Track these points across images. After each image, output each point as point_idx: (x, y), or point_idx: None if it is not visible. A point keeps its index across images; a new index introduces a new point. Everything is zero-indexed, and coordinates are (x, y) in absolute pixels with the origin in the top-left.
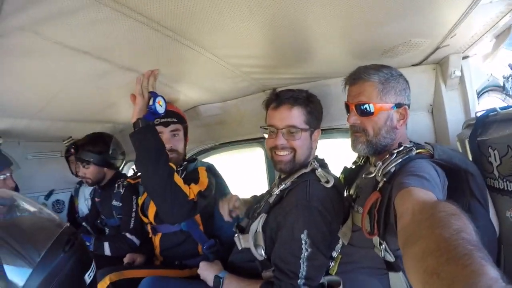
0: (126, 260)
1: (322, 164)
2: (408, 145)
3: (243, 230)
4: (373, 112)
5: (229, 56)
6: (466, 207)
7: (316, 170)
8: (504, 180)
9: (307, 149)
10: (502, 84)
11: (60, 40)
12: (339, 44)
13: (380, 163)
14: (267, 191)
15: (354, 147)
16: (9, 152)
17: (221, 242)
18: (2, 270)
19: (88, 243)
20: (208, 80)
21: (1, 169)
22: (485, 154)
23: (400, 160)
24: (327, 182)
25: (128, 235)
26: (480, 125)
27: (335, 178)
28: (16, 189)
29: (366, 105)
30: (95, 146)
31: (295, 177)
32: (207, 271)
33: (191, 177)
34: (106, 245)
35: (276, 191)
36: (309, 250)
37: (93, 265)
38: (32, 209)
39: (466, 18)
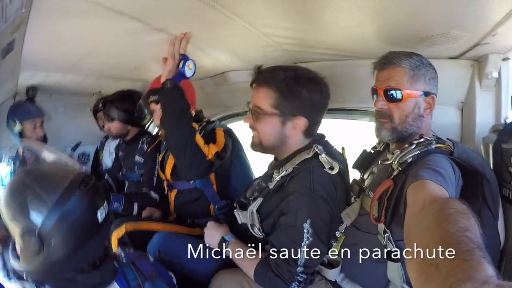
0: (144, 213)
1: (325, 145)
2: (429, 138)
3: (244, 205)
4: (401, 99)
5: (262, 25)
6: (476, 212)
7: (320, 156)
8: None
9: (275, 137)
10: None
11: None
12: (372, 25)
13: (398, 152)
14: (266, 173)
15: (378, 133)
16: (41, 105)
17: (233, 205)
18: (28, 211)
19: (117, 204)
20: (240, 47)
21: (33, 116)
22: (506, 162)
23: (419, 151)
24: (332, 168)
25: (151, 193)
26: (508, 133)
27: (340, 161)
28: (44, 138)
29: (395, 91)
30: (122, 103)
31: (296, 163)
32: (214, 231)
33: (208, 137)
34: (135, 206)
35: (277, 177)
36: (310, 239)
37: (105, 204)
38: (53, 156)
39: (511, 17)
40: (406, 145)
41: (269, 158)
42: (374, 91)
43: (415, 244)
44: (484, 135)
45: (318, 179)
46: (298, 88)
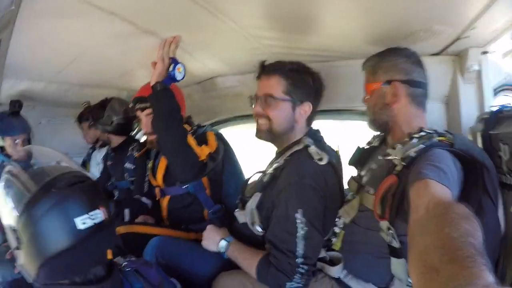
0: (138, 221)
1: (317, 139)
2: (429, 131)
3: (243, 204)
4: (368, 92)
5: (252, 26)
6: (478, 201)
7: (309, 147)
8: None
9: (287, 122)
10: None
11: None
12: (359, 25)
13: (400, 146)
14: (264, 170)
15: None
16: (24, 116)
17: (227, 210)
18: (10, 201)
19: None
20: (228, 50)
21: (16, 133)
22: (496, 148)
23: (423, 146)
24: (321, 159)
25: (143, 198)
26: (494, 119)
27: (331, 155)
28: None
29: (365, 87)
30: (115, 108)
31: (288, 155)
32: (214, 233)
33: (200, 140)
34: (127, 211)
35: (270, 170)
36: (305, 228)
37: (95, 212)
38: (55, 159)
39: (488, 10)
40: (406, 139)
41: (264, 159)
42: None
43: (417, 247)
44: (469, 126)
45: (307, 169)
46: (304, 76)
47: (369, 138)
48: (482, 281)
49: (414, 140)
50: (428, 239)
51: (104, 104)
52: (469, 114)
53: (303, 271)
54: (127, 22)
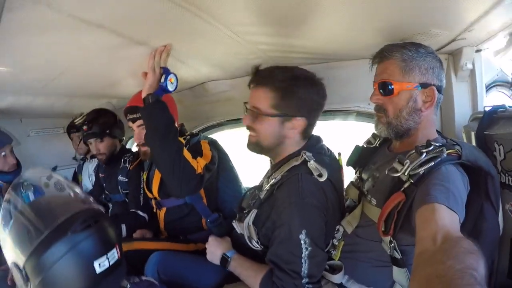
0: (136, 236)
1: (317, 151)
2: (437, 144)
3: (241, 216)
4: (392, 92)
5: (246, 32)
6: (479, 207)
7: (308, 163)
8: (506, 174)
9: (274, 137)
10: (510, 80)
11: (74, 13)
12: (357, 29)
13: (408, 162)
14: (261, 181)
15: (376, 127)
16: (11, 130)
17: (225, 216)
18: (17, 241)
19: None
20: (221, 56)
21: (2, 146)
22: (490, 148)
23: (433, 163)
24: (320, 175)
25: (139, 212)
26: (488, 119)
27: (331, 168)
28: (18, 165)
29: (386, 84)
30: (105, 118)
31: (285, 170)
32: (215, 247)
33: (194, 150)
34: (123, 227)
35: (266, 186)
36: (309, 249)
37: (112, 252)
38: (63, 188)
39: (488, 15)
40: (413, 152)
41: (260, 165)
42: (373, 86)
43: (418, 278)
44: (462, 124)
45: (307, 186)
46: (296, 88)
47: (366, 138)
48: None
49: (423, 156)
50: (431, 269)
51: (104, 112)
52: (462, 112)
53: None
54: (115, 34)
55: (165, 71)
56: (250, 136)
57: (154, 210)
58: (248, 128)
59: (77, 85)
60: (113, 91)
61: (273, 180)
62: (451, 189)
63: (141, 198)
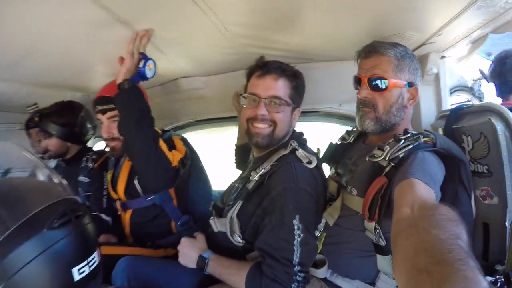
0: (100, 241)
1: (301, 142)
2: (415, 132)
3: (220, 212)
4: (386, 88)
5: (232, 22)
6: (454, 193)
7: (297, 151)
8: (475, 163)
9: (287, 126)
10: (470, 86)
11: None
12: (337, 27)
13: (388, 147)
14: (244, 175)
15: (362, 122)
16: None
17: (195, 219)
18: None
19: None
20: (202, 48)
21: None
22: (459, 140)
23: (411, 146)
24: (309, 162)
25: (103, 216)
26: (455, 115)
27: (317, 158)
28: None
29: (380, 80)
30: (61, 116)
31: (275, 160)
32: (189, 249)
33: (168, 145)
34: None
35: (255, 177)
36: (301, 235)
37: (93, 256)
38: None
39: (455, 20)
40: (392, 140)
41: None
42: (357, 80)
43: (403, 249)
44: (429, 123)
45: (301, 173)
46: (300, 81)
47: (327, 140)
48: (477, 286)
49: (401, 142)
50: (415, 240)
51: (63, 108)
52: (428, 113)
53: (300, 279)
54: (98, 6)
55: (144, 57)
56: (260, 128)
57: (119, 213)
58: (259, 120)
59: (42, 70)
60: (81, 81)
61: (263, 170)
62: (427, 170)
63: (104, 200)
